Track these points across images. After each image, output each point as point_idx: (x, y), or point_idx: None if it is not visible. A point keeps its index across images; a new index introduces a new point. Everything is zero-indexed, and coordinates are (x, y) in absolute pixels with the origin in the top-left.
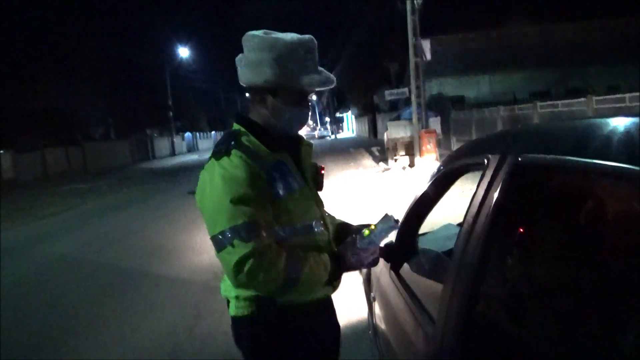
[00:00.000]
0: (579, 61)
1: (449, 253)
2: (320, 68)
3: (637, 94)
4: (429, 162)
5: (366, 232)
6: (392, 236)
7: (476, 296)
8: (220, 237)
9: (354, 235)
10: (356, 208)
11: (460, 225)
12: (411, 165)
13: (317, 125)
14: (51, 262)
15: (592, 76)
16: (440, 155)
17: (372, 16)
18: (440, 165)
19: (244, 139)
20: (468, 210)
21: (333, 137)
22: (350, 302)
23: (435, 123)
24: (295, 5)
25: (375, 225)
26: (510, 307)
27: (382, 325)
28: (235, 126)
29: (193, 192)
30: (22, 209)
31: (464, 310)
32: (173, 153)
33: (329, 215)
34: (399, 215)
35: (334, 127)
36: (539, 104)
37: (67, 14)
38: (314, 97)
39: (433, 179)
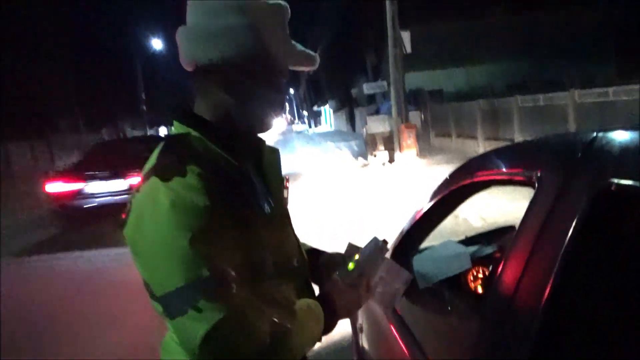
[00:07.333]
0: (554, 52)
1: (453, 282)
2: (293, 42)
3: (620, 88)
4: (409, 158)
5: (351, 265)
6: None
7: None
8: (176, 296)
9: (337, 273)
10: (334, 208)
11: (489, 257)
12: (391, 160)
13: (294, 119)
14: None
15: (566, 68)
16: (421, 150)
17: (349, 5)
18: (448, 178)
19: (199, 146)
20: (515, 243)
21: (311, 131)
22: None
23: (415, 117)
24: None
25: (360, 255)
26: None
27: None
28: (179, 128)
29: (121, 226)
30: None
31: None
32: None
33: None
34: (389, 226)
35: (312, 120)
36: (519, 97)
37: None
38: (291, 91)
39: (440, 194)
